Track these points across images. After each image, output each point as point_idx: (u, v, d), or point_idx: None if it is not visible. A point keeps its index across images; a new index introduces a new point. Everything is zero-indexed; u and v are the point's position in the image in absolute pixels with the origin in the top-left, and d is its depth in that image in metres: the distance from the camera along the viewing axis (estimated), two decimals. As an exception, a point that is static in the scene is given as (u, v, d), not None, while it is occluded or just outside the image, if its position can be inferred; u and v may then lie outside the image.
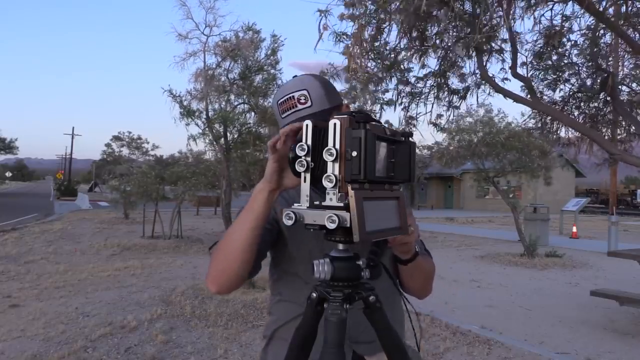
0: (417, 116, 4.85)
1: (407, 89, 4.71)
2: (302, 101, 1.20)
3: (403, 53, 4.27)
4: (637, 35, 4.32)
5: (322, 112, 1.18)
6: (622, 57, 4.97)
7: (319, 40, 3.88)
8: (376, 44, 4.27)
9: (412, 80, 4.69)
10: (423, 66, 4.44)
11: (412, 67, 4.55)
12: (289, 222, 0.88)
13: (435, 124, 5.00)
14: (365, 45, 4.06)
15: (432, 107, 4.82)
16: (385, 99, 4.69)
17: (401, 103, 4.71)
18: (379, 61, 4.36)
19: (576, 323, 5.24)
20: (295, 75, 1.28)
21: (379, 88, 4.56)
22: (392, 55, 4.36)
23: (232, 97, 6.85)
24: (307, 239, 1.19)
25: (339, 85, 4.96)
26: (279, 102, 1.23)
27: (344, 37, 4.16)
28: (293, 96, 1.21)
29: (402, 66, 4.46)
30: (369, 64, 4.35)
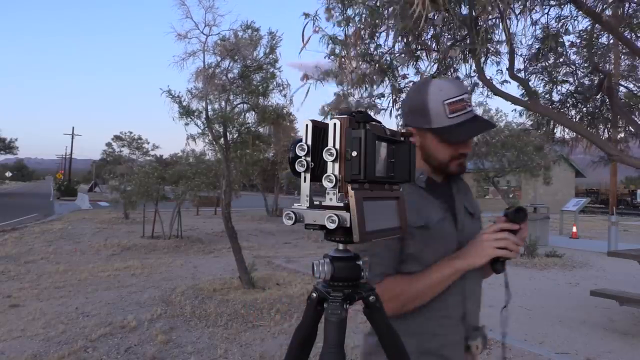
0: None
1: (403, 95, 4.68)
2: (470, 104, 1.26)
3: (398, 58, 4.24)
4: (634, 36, 4.31)
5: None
6: (619, 56, 4.97)
7: (303, 47, 3.85)
8: (371, 47, 4.24)
9: (410, 85, 4.67)
10: (418, 72, 4.42)
11: (408, 74, 4.52)
12: (289, 222, 0.88)
13: None
14: (358, 48, 4.04)
15: None
16: (380, 105, 4.65)
17: (398, 109, 4.68)
18: (371, 63, 4.34)
19: (576, 323, 5.24)
20: (434, 77, 1.36)
21: (374, 94, 4.52)
22: (389, 59, 4.33)
23: (232, 96, 6.83)
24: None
25: (332, 87, 4.93)
26: (449, 101, 1.23)
27: (336, 40, 4.13)
28: (464, 98, 1.25)
29: (396, 72, 4.43)
30: (362, 66, 4.32)
